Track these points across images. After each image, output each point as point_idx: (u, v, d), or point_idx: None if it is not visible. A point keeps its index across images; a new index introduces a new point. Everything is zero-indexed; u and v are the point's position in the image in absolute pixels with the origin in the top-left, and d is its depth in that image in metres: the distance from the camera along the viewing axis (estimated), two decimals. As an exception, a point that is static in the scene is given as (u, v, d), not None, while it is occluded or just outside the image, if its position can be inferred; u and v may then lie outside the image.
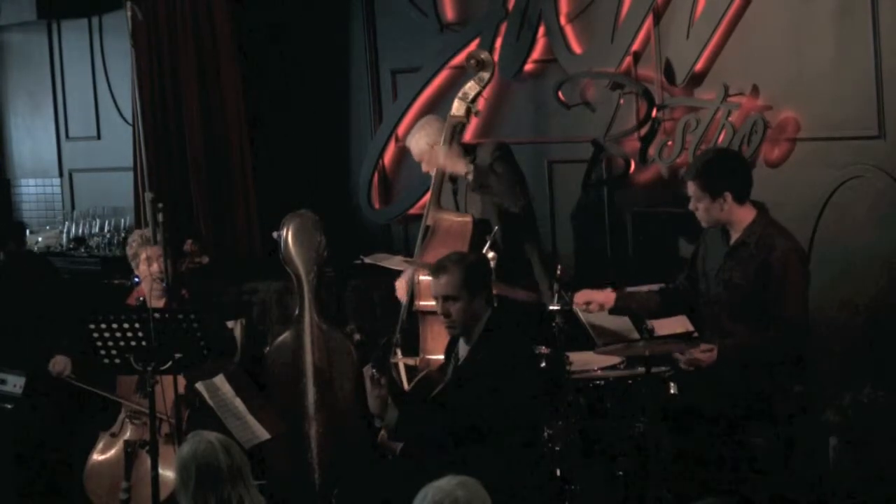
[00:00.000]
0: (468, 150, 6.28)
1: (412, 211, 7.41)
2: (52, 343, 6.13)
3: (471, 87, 6.25)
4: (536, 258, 6.26)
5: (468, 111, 6.24)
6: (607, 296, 5.54)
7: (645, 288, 5.67)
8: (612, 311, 5.54)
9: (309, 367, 6.34)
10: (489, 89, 6.40)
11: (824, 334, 5.66)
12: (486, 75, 6.25)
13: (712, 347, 5.13)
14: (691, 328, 5.37)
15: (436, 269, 5.17)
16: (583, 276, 6.65)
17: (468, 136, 6.77)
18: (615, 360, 5.52)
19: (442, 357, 5.57)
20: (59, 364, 6.03)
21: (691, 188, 5.30)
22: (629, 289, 5.68)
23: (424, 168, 6.45)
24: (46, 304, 6.98)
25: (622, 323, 5.59)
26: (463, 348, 5.15)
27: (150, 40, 7.63)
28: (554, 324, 5.41)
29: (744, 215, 5.28)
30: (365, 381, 4.97)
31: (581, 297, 5.54)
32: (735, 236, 5.30)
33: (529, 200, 6.27)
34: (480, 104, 6.33)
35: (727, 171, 5.33)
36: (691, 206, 5.33)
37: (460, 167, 6.13)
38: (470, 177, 6.08)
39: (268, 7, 7.97)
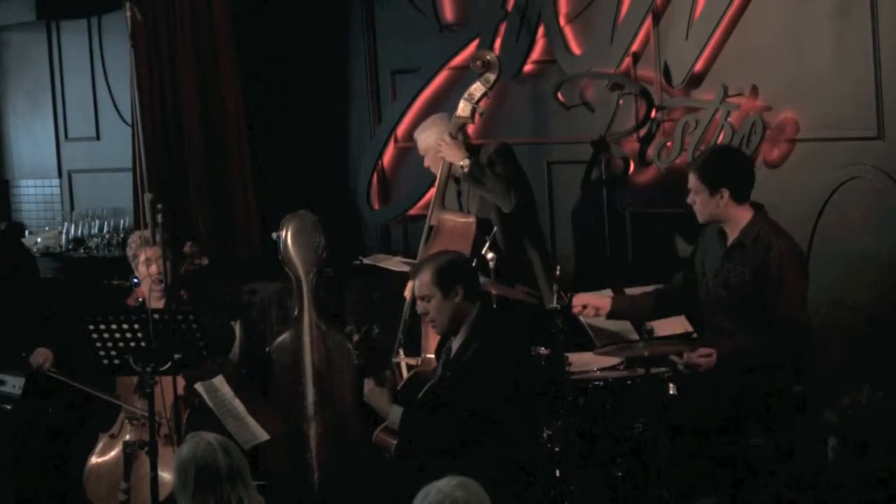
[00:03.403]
0: (472, 150, 6.29)
1: (411, 211, 7.41)
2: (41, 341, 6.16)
3: (476, 88, 6.26)
4: (537, 258, 6.27)
5: (473, 112, 6.26)
6: (604, 301, 5.54)
7: (640, 290, 5.67)
8: (610, 316, 5.54)
9: (308, 367, 6.34)
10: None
11: (823, 334, 5.66)
12: (491, 76, 6.26)
13: (711, 352, 5.10)
14: (690, 329, 5.37)
15: (412, 273, 5.26)
16: (582, 276, 6.66)
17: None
18: (614, 360, 5.52)
19: (441, 357, 5.58)
20: (40, 356, 6.08)
21: (692, 179, 5.29)
22: (626, 290, 5.68)
23: (427, 163, 6.47)
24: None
25: (622, 324, 5.60)
26: (455, 345, 5.17)
27: (149, 41, 7.63)
28: (553, 324, 5.41)
29: (741, 215, 5.27)
30: (366, 390, 5.09)
31: (579, 300, 5.54)
32: (732, 236, 5.29)
33: (529, 202, 6.27)
34: (483, 104, 6.34)
35: (729, 167, 5.31)
36: (689, 200, 5.32)
37: (458, 157, 6.15)
38: (466, 169, 6.11)
39: (267, 7, 7.97)
